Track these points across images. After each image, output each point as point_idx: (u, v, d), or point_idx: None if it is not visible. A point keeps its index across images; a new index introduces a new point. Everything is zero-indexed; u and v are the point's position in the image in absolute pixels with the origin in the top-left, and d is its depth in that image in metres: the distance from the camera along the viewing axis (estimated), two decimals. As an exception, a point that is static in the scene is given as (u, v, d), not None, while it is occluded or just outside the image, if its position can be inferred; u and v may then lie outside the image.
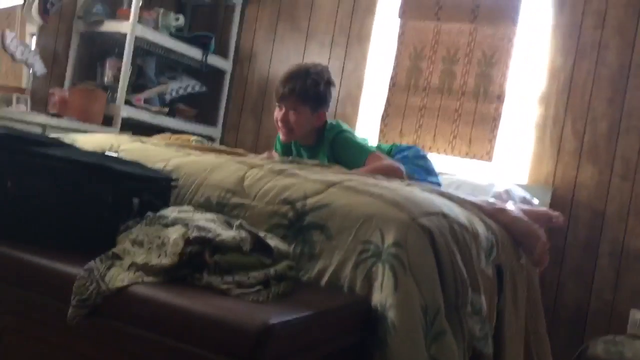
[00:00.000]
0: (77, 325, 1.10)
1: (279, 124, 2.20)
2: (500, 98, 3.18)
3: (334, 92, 2.31)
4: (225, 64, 3.73)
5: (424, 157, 2.33)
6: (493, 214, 2.03)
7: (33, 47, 2.97)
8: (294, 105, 2.16)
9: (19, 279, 1.21)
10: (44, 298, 1.17)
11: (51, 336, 1.15)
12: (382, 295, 1.34)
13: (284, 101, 2.17)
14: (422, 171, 2.22)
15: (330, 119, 2.28)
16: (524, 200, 2.79)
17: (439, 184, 2.23)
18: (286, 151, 2.34)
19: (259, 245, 1.33)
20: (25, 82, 3.01)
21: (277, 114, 2.21)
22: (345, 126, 2.27)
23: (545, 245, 2.04)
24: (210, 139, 3.60)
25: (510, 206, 2.14)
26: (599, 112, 3.01)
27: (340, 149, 2.18)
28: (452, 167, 3.21)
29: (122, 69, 3.10)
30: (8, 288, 1.21)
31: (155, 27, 3.27)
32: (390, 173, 1.97)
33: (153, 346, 1.07)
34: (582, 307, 3.00)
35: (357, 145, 2.21)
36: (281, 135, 2.25)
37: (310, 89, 2.16)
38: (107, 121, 3.06)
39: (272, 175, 1.62)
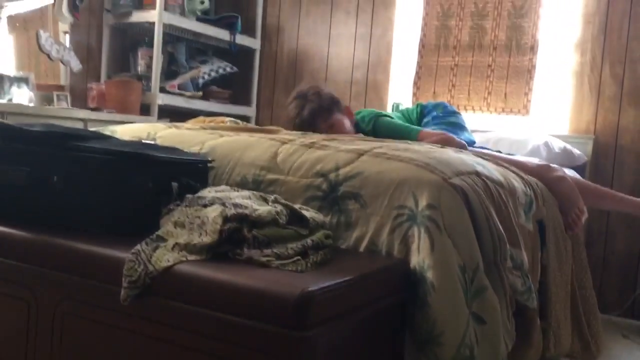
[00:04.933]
0: (130, 306, 1.17)
1: None
2: (533, 49, 3.11)
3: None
4: (253, 42, 3.75)
5: (454, 113, 2.28)
6: (537, 171, 2.02)
7: (67, 44, 3.07)
8: (325, 122, 2.13)
9: (73, 267, 1.28)
10: (98, 283, 1.24)
11: (107, 318, 1.23)
12: (420, 257, 1.37)
13: (315, 127, 2.13)
14: (456, 129, 2.19)
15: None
16: (564, 150, 2.75)
17: (473, 141, 2.21)
18: None
19: (295, 218, 1.37)
20: (63, 79, 3.12)
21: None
22: (373, 110, 2.24)
23: (581, 212, 2.02)
24: (245, 118, 3.65)
25: (558, 167, 2.12)
26: (638, 53, 2.92)
27: (386, 135, 2.10)
28: (488, 123, 3.18)
29: (154, 57, 3.17)
30: (65, 275, 1.29)
31: (182, 13, 3.32)
32: (452, 146, 1.92)
33: (201, 320, 1.12)
34: (633, 254, 2.95)
35: (402, 126, 2.16)
36: None
37: (321, 99, 2.15)
38: (144, 110, 3.15)
39: (303, 149, 1.64)
